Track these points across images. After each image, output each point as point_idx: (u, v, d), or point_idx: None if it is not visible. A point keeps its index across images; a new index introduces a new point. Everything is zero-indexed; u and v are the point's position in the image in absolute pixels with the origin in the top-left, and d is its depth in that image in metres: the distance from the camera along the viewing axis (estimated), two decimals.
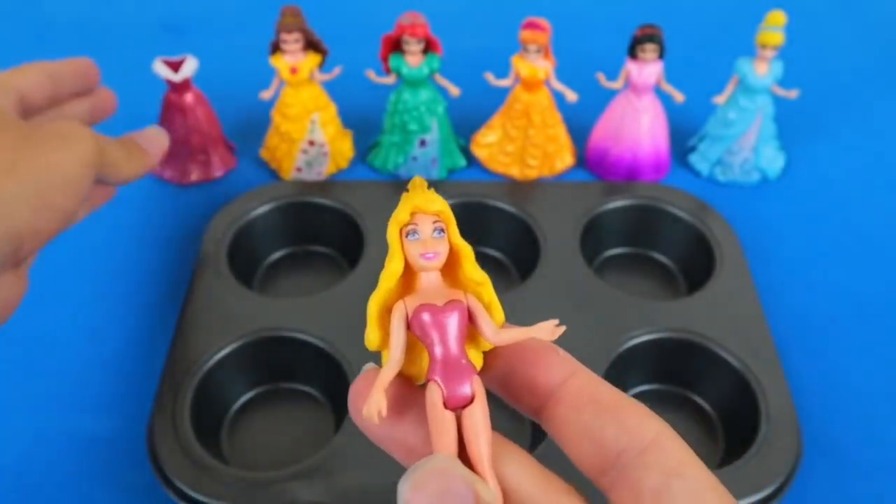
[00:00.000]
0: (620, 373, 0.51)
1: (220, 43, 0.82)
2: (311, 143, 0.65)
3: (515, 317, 0.56)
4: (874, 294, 0.59)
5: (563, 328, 0.24)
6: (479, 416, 0.22)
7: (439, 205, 0.23)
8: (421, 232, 0.23)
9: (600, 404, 0.23)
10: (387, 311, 0.23)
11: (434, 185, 0.64)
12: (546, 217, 0.60)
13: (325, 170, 0.67)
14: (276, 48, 0.62)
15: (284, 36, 0.60)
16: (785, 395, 0.49)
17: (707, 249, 0.59)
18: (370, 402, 0.21)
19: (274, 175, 0.67)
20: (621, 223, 0.62)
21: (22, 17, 0.88)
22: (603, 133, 0.66)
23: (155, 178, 0.67)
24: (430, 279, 0.23)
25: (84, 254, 0.61)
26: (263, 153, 0.68)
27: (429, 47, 0.61)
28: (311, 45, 0.62)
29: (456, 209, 0.68)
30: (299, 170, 0.66)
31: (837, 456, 0.49)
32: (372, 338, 0.23)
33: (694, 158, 0.68)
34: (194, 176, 0.67)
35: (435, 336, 0.22)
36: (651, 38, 0.61)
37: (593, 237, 0.61)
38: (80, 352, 0.54)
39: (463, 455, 0.22)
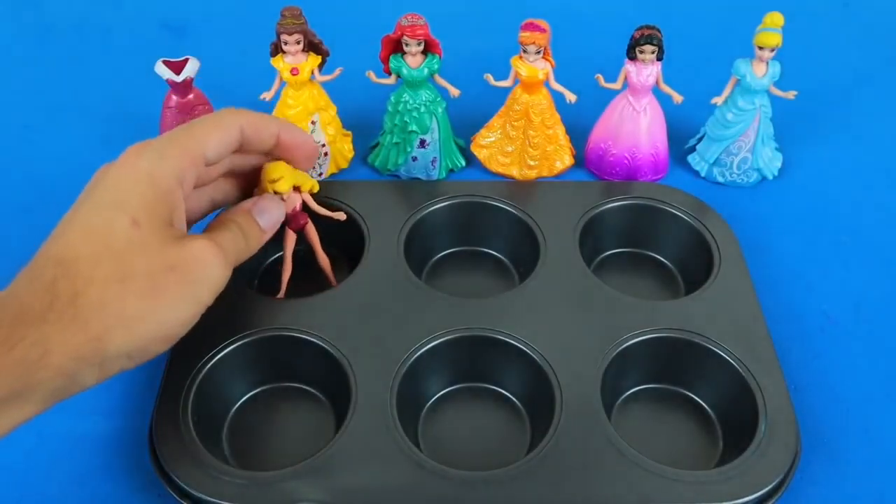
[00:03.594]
0: (619, 372, 0.52)
1: (221, 44, 0.82)
2: None
3: (515, 316, 0.56)
4: (872, 294, 0.59)
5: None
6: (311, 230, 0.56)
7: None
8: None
9: None
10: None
11: (434, 185, 0.65)
12: (545, 217, 0.61)
13: (326, 170, 0.67)
14: (276, 49, 0.62)
15: (285, 37, 0.60)
16: (783, 395, 0.49)
17: (706, 249, 0.59)
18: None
19: None
20: (620, 223, 0.63)
21: (23, 17, 0.88)
22: (602, 134, 0.67)
23: None
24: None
25: None
26: None
27: (429, 48, 0.61)
28: (312, 46, 0.62)
29: (456, 209, 0.68)
30: None
31: (835, 455, 0.50)
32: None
33: (692, 159, 0.69)
34: None
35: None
36: (649, 40, 0.61)
37: (592, 237, 0.61)
38: None
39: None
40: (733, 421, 0.51)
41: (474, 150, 0.68)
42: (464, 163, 0.68)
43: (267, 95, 0.64)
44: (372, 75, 0.64)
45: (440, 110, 0.64)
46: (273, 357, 0.52)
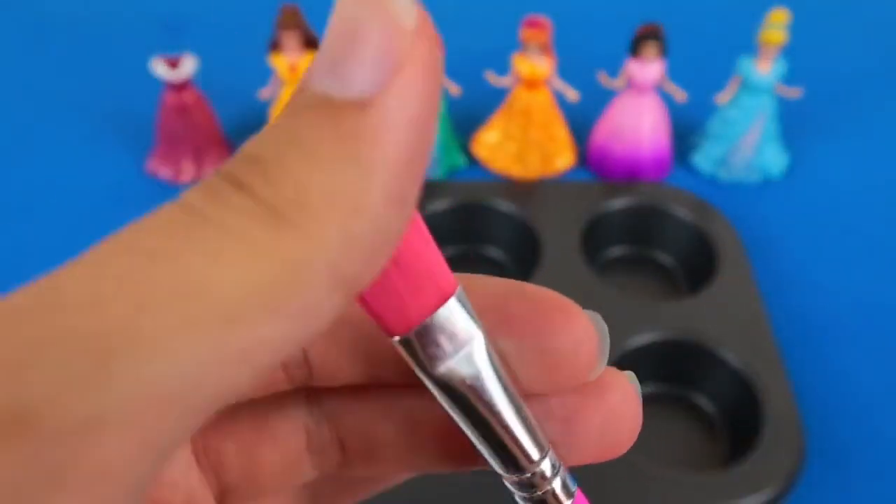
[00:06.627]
0: None
1: (218, 41, 0.82)
2: None
3: None
4: (877, 294, 0.59)
5: None
6: None
7: None
8: None
9: None
10: None
11: (434, 185, 0.64)
12: (547, 217, 0.60)
13: None
14: (275, 46, 0.61)
15: (283, 34, 0.60)
16: (787, 397, 0.48)
17: (709, 249, 0.58)
18: None
19: None
20: (622, 223, 0.62)
21: (18, 14, 0.88)
22: (604, 132, 0.66)
23: (151, 178, 0.67)
24: None
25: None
26: None
27: None
28: (311, 43, 0.61)
29: (456, 209, 0.68)
30: None
31: (840, 457, 0.49)
32: None
33: (696, 158, 0.68)
34: (191, 175, 0.66)
35: None
36: (653, 37, 0.60)
37: (594, 237, 0.60)
38: None
39: None
40: (737, 423, 0.50)
41: (475, 149, 0.67)
42: (464, 162, 0.68)
43: (265, 93, 0.64)
44: None
45: (440, 108, 0.64)
46: None
